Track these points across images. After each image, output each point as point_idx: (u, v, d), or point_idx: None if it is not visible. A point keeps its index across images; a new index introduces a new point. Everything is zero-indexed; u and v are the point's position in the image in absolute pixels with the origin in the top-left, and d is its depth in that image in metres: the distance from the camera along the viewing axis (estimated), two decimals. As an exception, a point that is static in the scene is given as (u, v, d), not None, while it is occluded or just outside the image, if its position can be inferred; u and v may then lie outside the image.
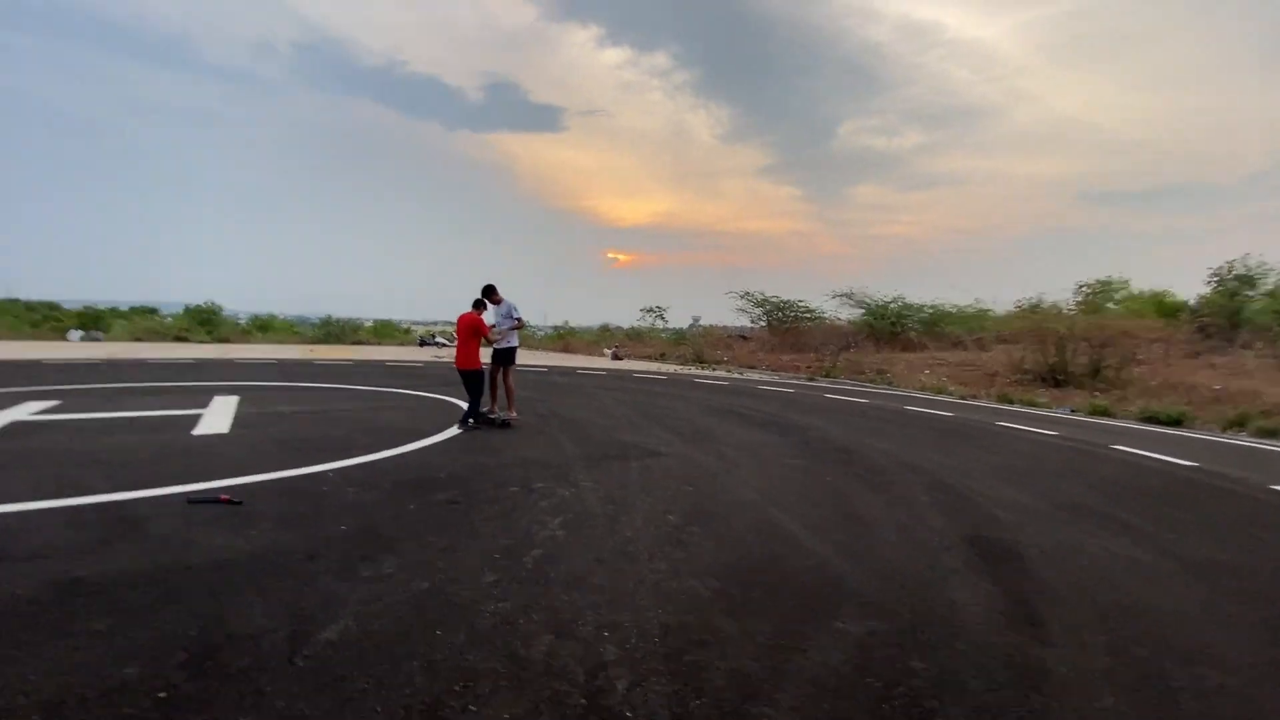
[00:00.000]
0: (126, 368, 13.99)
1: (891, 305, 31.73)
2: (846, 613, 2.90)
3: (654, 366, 21.71)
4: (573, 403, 10.12)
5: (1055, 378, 15.25)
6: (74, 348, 23.41)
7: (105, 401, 8.44)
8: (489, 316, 7.91)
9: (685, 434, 7.45)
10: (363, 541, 3.56)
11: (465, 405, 7.39)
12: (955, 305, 33.97)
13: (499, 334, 7.77)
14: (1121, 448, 7.77)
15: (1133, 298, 35.48)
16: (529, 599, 2.90)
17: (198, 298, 42.84)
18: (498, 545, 3.56)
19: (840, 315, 33.46)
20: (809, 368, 21.19)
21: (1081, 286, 39.74)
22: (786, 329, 30.90)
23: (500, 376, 7.76)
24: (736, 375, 19.02)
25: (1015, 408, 12.34)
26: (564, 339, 42.55)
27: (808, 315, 31.61)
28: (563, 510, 4.24)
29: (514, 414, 7.69)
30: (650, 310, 43.10)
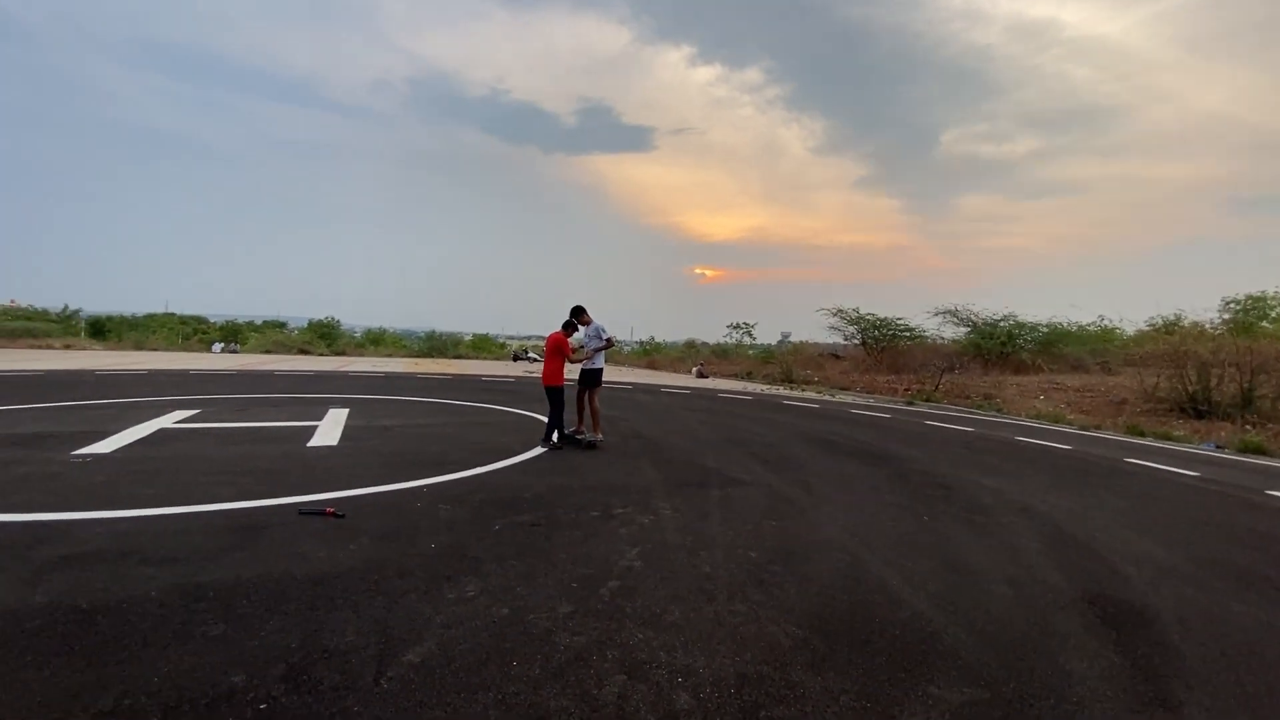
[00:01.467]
0: (257, 379, 15.49)
1: (1001, 324, 29.59)
2: (942, 676, 2.66)
3: (740, 385, 21.37)
4: (656, 423, 10.11)
5: (1196, 408, 13.55)
6: (215, 359, 26.28)
7: (236, 412, 9.36)
8: (579, 337, 8.09)
9: (770, 461, 7.23)
10: (449, 561, 3.69)
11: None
12: (1076, 324, 31.21)
13: (586, 354, 7.90)
14: (1283, 495, 6.75)
15: (1291, 315, 31.15)
16: (604, 634, 2.88)
17: (320, 313, 47.03)
18: (576, 574, 3.58)
19: (943, 334, 31.58)
20: (907, 390, 20.08)
21: (1229, 303, 35.28)
22: (883, 348, 29.50)
23: (586, 398, 7.88)
24: (827, 397, 18.33)
25: (1147, 441, 11.05)
26: (649, 355, 42.92)
27: (906, 334, 30.05)
28: (641, 540, 4.21)
29: (599, 435, 7.77)
30: (737, 326, 42.63)
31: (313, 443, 7.10)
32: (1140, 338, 29.84)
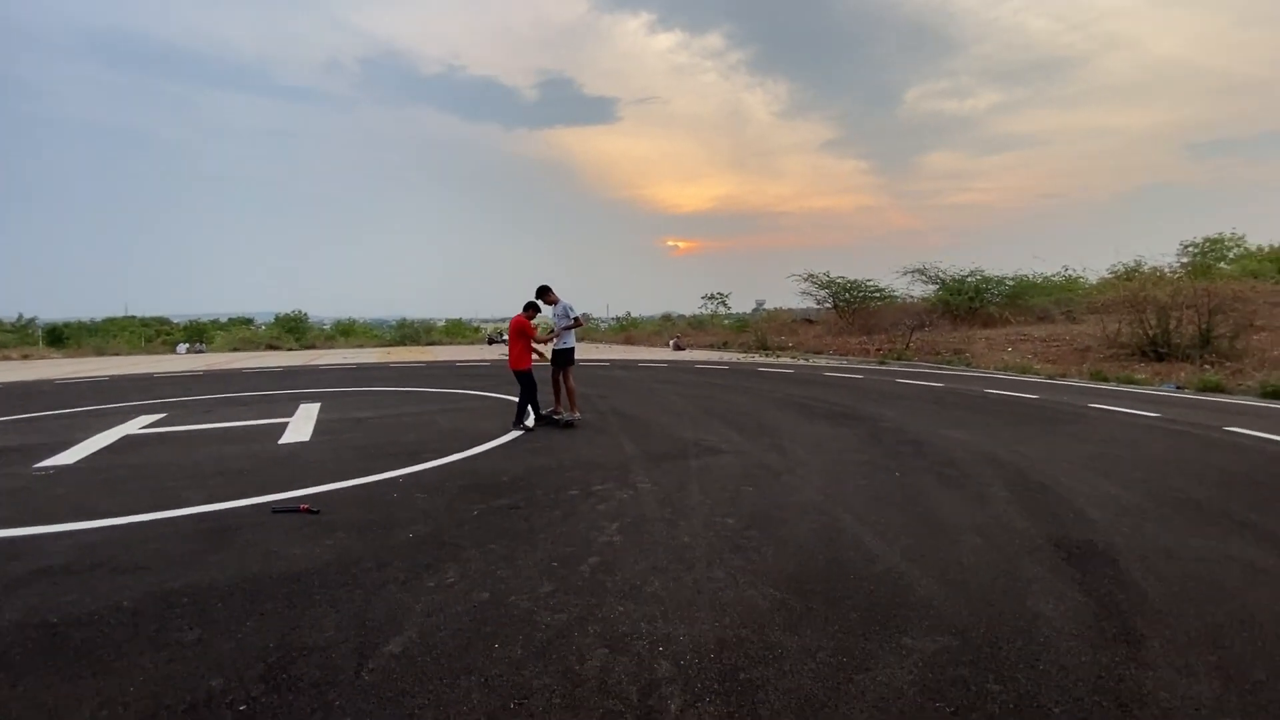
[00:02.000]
0: (224, 378, 15.13)
1: (969, 279, 30.06)
2: (915, 627, 2.74)
3: (716, 356, 21.49)
4: (633, 398, 10.14)
5: (1157, 351, 13.99)
6: (180, 360, 25.59)
7: (204, 413, 9.14)
8: (545, 317, 8.02)
9: (747, 429, 7.31)
10: (428, 549, 3.67)
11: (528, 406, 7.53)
12: (1041, 275, 31.84)
13: (555, 334, 7.84)
14: (1238, 429, 7.03)
15: (1248, 255, 32.08)
16: (585, 610, 2.91)
17: (287, 307, 46.01)
18: (556, 553, 3.60)
19: (913, 293, 31.98)
20: (879, 351, 20.39)
21: (1187, 246, 36.26)
22: (854, 311, 29.82)
23: (560, 378, 7.85)
24: (802, 362, 18.54)
25: (1111, 386, 11.41)
26: (626, 331, 42.88)
27: (877, 295, 30.37)
28: (620, 514, 4.24)
29: (577, 414, 7.77)
30: (712, 297, 42.73)
31: (284, 440, 6.98)
32: (1102, 285, 30.62)
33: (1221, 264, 33.02)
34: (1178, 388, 10.78)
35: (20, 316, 44.87)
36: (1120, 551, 3.56)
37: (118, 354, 31.91)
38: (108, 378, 15.86)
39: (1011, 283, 29.98)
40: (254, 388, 12.80)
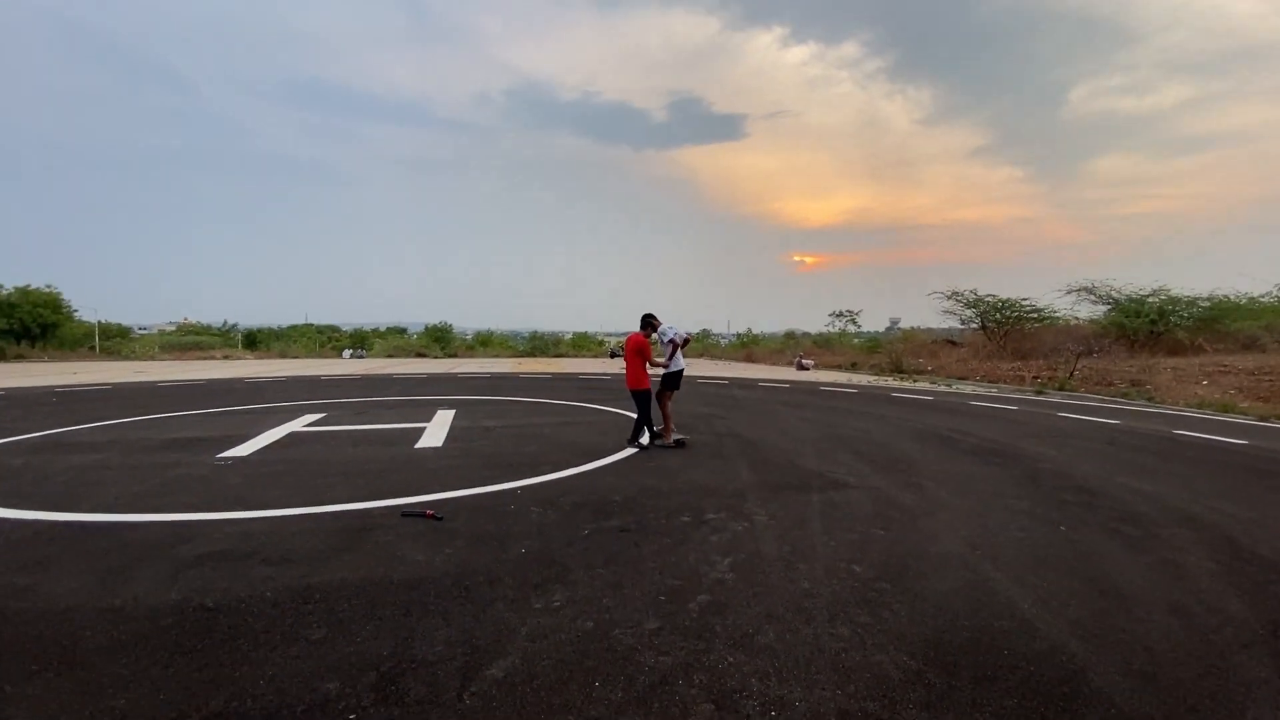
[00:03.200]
0: (377, 382, 16.72)
1: (1150, 299, 26.15)
2: (1092, 728, 2.25)
3: (844, 377, 20.35)
4: (752, 421, 9.77)
5: None
6: (344, 364, 28.77)
7: (356, 415, 10.08)
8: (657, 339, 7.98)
9: (878, 462, 6.72)
10: (538, 567, 3.66)
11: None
12: (1246, 296, 27.06)
13: (660, 360, 7.77)
14: None
15: None
16: (691, 655, 2.71)
17: (435, 318, 50.47)
18: (664, 585, 3.43)
19: (1078, 314, 28.44)
20: (1035, 378, 18.21)
21: None
22: (1006, 333, 27.00)
23: (661, 400, 7.77)
24: (942, 388, 17.02)
25: (1352, 435, 9.23)
26: (746, 348, 42.07)
27: (1033, 315, 27.29)
28: (734, 549, 3.99)
29: (669, 440, 7.64)
30: (840, 315, 40.79)
31: (420, 444, 7.46)
32: None
33: None
34: None
35: (225, 322, 52.97)
36: (1388, 659, 2.74)
37: (296, 356, 36.65)
38: (285, 378, 18.15)
39: (1206, 304, 25.71)
40: (401, 392, 13.98)
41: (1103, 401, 13.66)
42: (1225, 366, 19.68)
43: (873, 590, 3.39)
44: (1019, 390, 16.42)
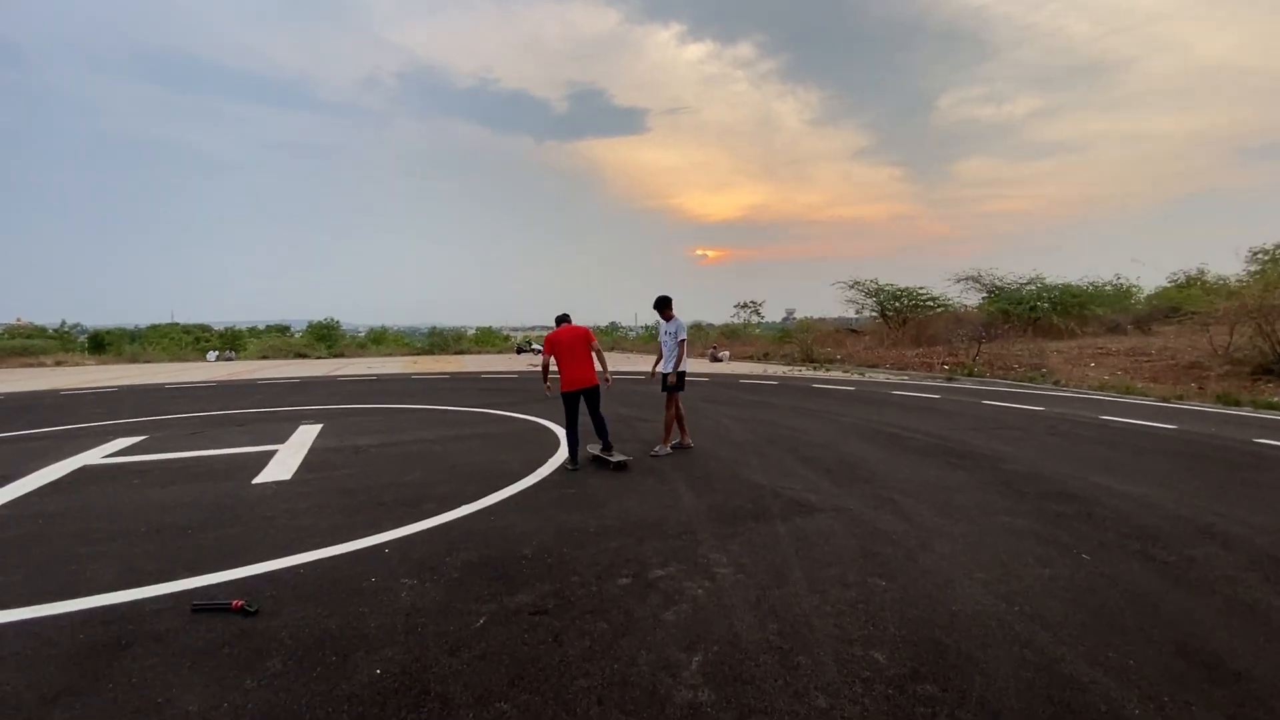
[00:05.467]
0: (236, 390, 14.13)
1: (1028, 287, 27.98)
2: None
3: (759, 369, 19.87)
4: (681, 422, 8.65)
5: (1289, 369, 11.93)
6: (206, 368, 25.03)
7: (188, 436, 7.97)
8: (660, 329, 6.95)
9: (834, 471, 5.77)
10: (398, 709, 2.26)
11: (558, 429, 6.17)
12: (1090, 284, 29.58)
13: (677, 357, 6.74)
14: None
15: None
16: None
17: (324, 315, 46.04)
18: (606, 726, 2.15)
19: (966, 302, 29.93)
20: (943, 365, 18.52)
21: (1257, 253, 33.79)
22: (904, 320, 27.86)
23: (673, 404, 6.80)
24: (857, 376, 16.82)
25: (1250, 412, 9.49)
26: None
27: (930, 304, 28.35)
28: (700, 632, 2.77)
29: (667, 447, 6.71)
30: (745, 306, 41.00)
31: (261, 478, 5.68)
32: (1169, 293, 28.27)
33: (1293, 272, 30.29)
34: (1341, 415, 8.85)
35: (63, 323, 45.58)
36: None
37: (150, 361, 31.78)
38: (116, 388, 15.04)
39: (1059, 291, 27.78)
40: (261, 402, 11.70)
41: (1013, 386, 13.79)
42: (1101, 349, 21.05)
43: (917, 701, 2.27)
44: (930, 377, 16.50)
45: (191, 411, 10.47)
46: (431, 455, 6.63)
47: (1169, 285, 32.38)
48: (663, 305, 6.73)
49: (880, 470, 5.78)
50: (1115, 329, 27.75)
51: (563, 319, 6.23)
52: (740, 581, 3.31)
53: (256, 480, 5.60)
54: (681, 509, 4.62)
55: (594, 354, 6.09)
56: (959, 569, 3.47)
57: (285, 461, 6.32)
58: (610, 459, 5.99)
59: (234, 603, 3.04)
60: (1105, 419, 8.78)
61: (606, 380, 6.22)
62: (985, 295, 29.03)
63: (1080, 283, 28.99)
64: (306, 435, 7.83)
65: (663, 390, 6.73)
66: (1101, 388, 12.86)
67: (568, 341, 6.00)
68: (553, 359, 6.02)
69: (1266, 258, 33.26)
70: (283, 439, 7.60)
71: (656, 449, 6.63)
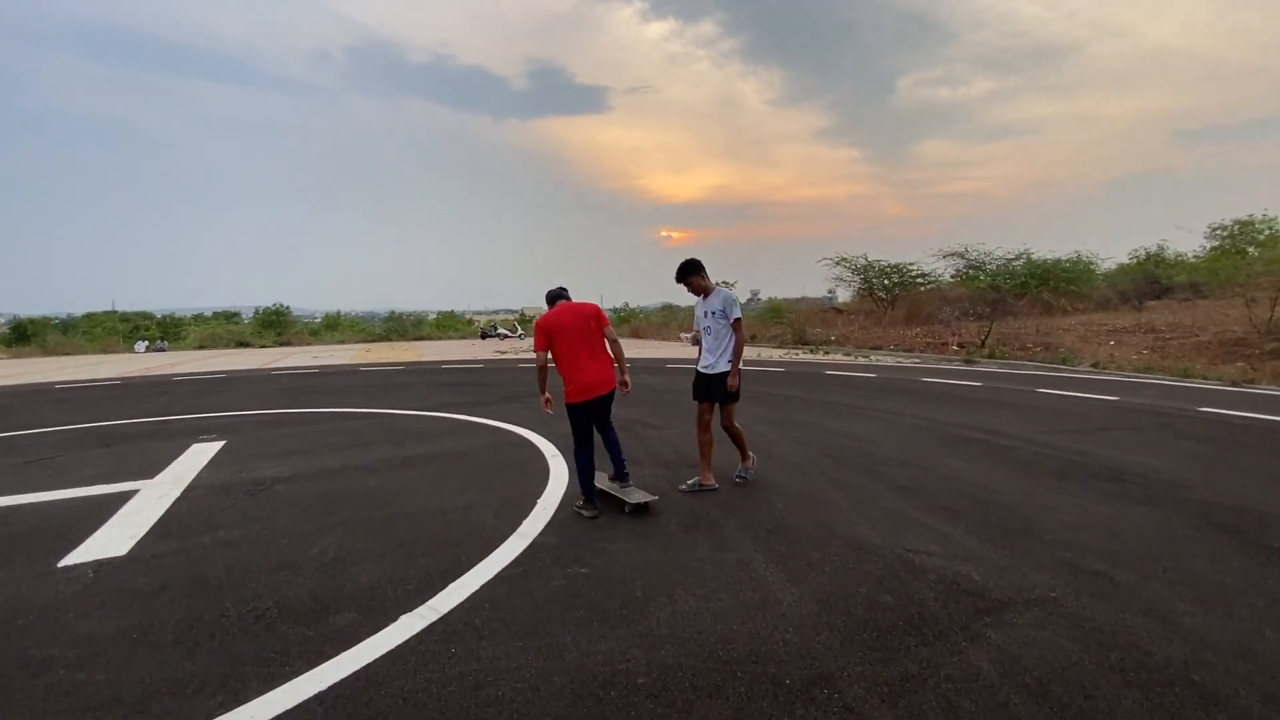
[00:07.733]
0: (143, 390, 11.65)
1: (1015, 263, 26.87)
2: None
3: (753, 353, 18.14)
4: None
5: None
6: (131, 361, 22.11)
7: (19, 466, 5.70)
8: (697, 309, 4.75)
9: (961, 511, 3.95)
10: None
11: (542, 443, 4.21)
12: (1053, 260, 28.68)
13: (693, 338, 4.80)
14: None
15: None
16: None
17: (273, 300, 42.74)
18: None
19: (949, 278, 28.77)
20: (960, 346, 17.01)
21: (1215, 229, 33.81)
22: (895, 298, 26.49)
23: (724, 416, 4.75)
24: (863, 360, 15.21)
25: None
26: (629, 322, 39.45)
27: (919, 280, 27.02)
28: None
29: (750, 470, 4.85)
30: (718, 285, 39.39)
31: (78, 553, 3.55)
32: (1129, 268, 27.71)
33: (1250, 248, 30.10)
34: None
35: (-14, 312, 41.28)
36: None
37: (71, 354, 28.37)
38: (-9, 391, 12.36)
39: (1065, 268, 26.83)
40: (163, 409, 9.35)
41: (1044, 369, 12.32)
42: (1106, 325, 19.97)
43: None
44: (944, 359, 14.98)
45: (56, 424, 8.10)
46: (363, 496, 4.58)
47: (1129, 261, 32.07)
48: (691, 272, 4.59)
49: (1025, 509, 3.98)
50: (1105, 305, 26.97)
51: (558, 295, 4.21)
52: None
53: (67, 559, 3.47)
54: (778, 612, 2.72)
55: (608, 344, 4.11)
56: None
57: (138, 514, 4.19)
58: (628, 499, 4.07)
59: None
60: (1207, 410, 7.22)
61: (625, 385, 4.25)
62: (969, 271, 27.83)
63: (1043, 260, 27.90)
64: (194, 461, 5.67)
65: (723, 402, 4.64)
66: (1149, 369, 11.44)
67: (573, 327, 3.97)
68: (550, 356, 4.03)
69: (1225, 234, 33.19)
70: (157, 469, 5.44)
71: (740, 472, 4.75)
